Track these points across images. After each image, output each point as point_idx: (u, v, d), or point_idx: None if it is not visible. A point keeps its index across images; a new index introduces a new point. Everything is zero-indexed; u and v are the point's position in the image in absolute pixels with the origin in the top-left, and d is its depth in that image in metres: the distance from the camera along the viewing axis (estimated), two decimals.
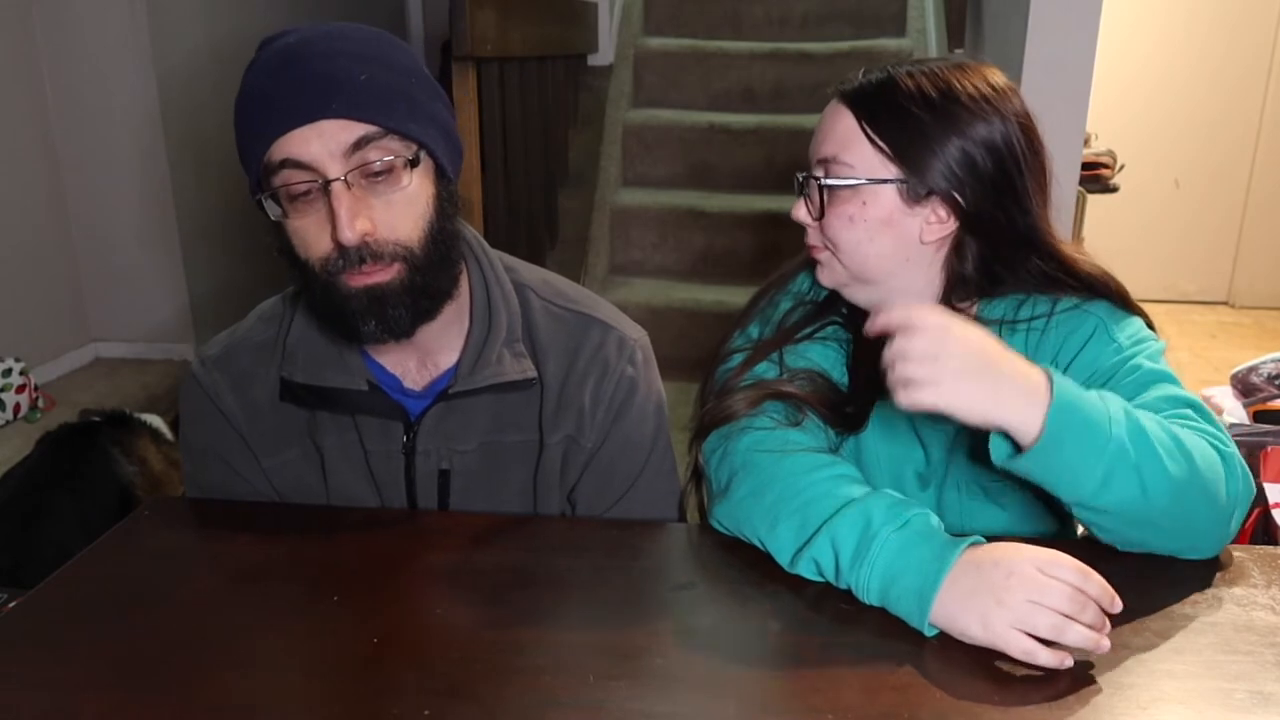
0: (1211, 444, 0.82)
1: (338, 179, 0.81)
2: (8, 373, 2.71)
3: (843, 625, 0.76)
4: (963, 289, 0.98)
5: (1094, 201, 3.35)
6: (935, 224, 0.94)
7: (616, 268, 3.10)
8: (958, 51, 3.10)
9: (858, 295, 0.99)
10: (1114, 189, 3.47)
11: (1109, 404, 0.78)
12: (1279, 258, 4.64)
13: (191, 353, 3.28)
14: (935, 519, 0.80)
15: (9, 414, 2.68)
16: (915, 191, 0.92)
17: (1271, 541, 1.47)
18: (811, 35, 3.51)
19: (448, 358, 0.97)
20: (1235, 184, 4.63)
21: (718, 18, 3.63)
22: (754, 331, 1.04)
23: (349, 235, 0.81)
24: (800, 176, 0.97)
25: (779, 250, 2.81)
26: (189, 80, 3.23)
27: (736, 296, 2.71)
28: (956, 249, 0.97)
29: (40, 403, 2.80)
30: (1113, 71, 4.19)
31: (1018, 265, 0.97)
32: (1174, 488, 0.77)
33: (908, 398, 0.75)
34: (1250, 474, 0.85)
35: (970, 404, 0.75)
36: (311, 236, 0.84)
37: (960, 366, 0.75)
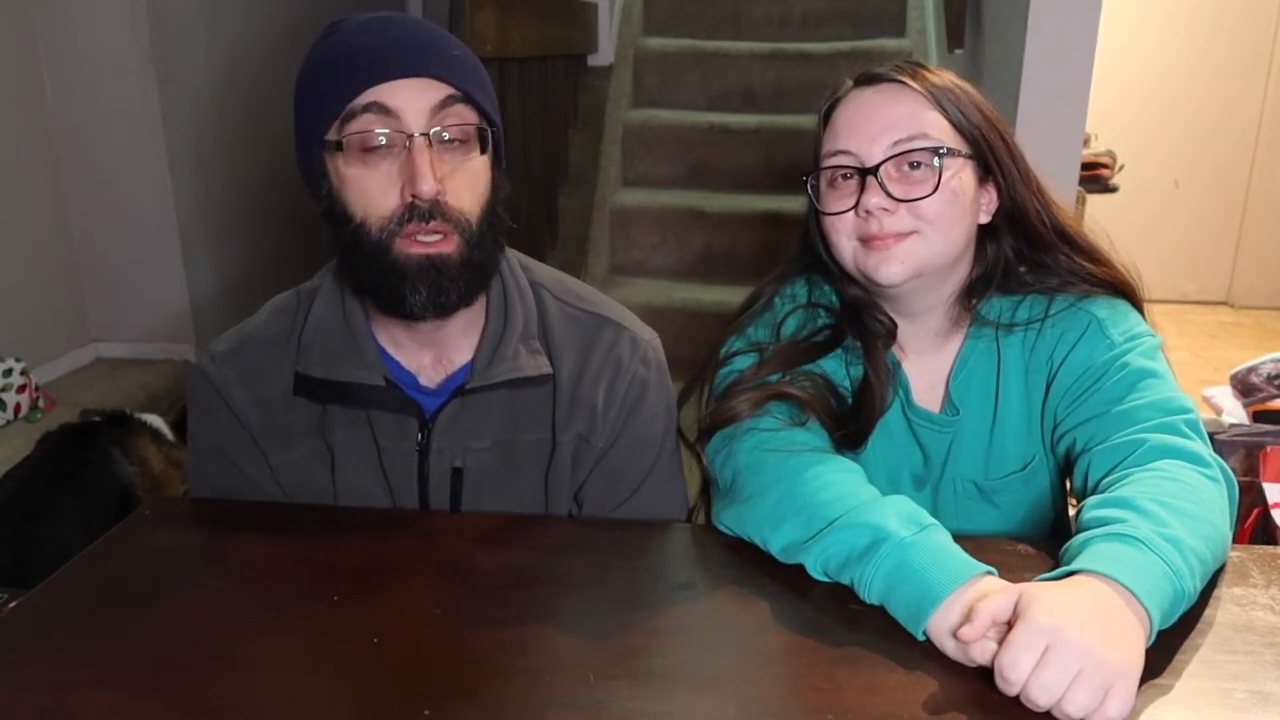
0: (1208, 477, 0.82)
1: (423, 134, 0.84)
2: (8, 373, 2.70)
3: (843, 626, 0.76)
4: (982, 285, 0.99)
5: (1094, 201, 3.35)
6: (986, 205, 0.97)
7: (616, 268, 3.10)
8: (957, 52, 3.10)
9: (913, 294, 0.96)
10: (1114, 189, 3.47)
11: (1184, 580, 0.71)
12: (1279, 258, 4.64)
13: (192, 353, 3.27)
14: (948, 535, 0.79)
15: (9, 414, 2.68)
16: (979, 170, 0.95)
17: (1271, 541, 1.48)
18: (811, 35, 3.51)
19: (463, 355, 0.97)
20: (1235, 184, 4.63)
21: (718, 18, 3.63)
22: (754, 334, 1.03)
23: (428, 187, 0.83)
24: (874, 165, 0.91)
25: (779, 250, 2.81)
26: (189, 81, 3.23)
27: (736, 296, 2.69)
28: (987, 239, 0.98)
29: (41, 403, 2.80)
30: (1113, 71, 4.19)
31: (1047, 255, 0.97)
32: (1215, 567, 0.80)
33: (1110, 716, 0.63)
34: (1233, 475, 0.86)
35: (1138, 662, 0.66)
36: (377, 191, 0.85)
37: (1102, 654, 0.63)
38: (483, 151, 0.89)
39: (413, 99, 0.84)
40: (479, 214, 0.89)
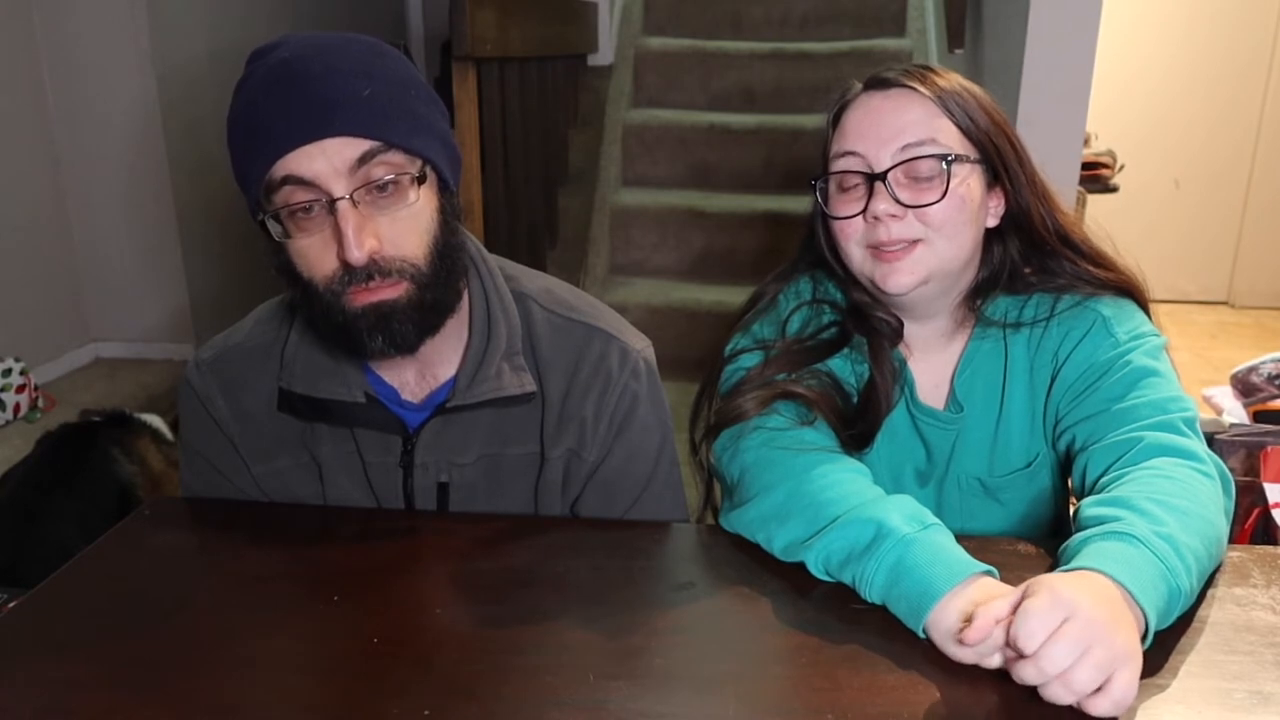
0: (1203, 474, 0.82)
1: (343, 197, 0.80)
2: (8, 373, 2.70)
3: (843, 625, 0.76)
4: (988, 286, 0.99)
5: (1094, 201, 3.35)
6: (994, 209, 0.97)
7: (616, 268, 3.10)
8: (958, 52, 3.10)
9: (920, 299, 0.96)
10: (1114, 189, 3.46)
11: (1180, 579, 0.71)
12: (1279, 258, 4.64)
13: (191, 353, 3.28)
14: (950, 536, 0.79)
15: (9, 414, 2.68)
16: (987, 175, 0.95)
17: (1271, 541, 1.47)
18: (811, 35, 3.51)
19: (446, 370, 0.96)
20: (1235, 184, 4.63)
21: (718, 18, 3.63)
22: (759, 331, 1.03)
23: (357, 255, 0.80)
24: (883, 171, 0.91)
25: (779, 250, 2.81)
26: (189, 81, 3.23)
27: (736, 296, 2.70)
28: (993, 242, 0.98)
29: (40, 403, 2.80)
30: (1113, 71, 4.19)
31: (1052, 259, 0.98)
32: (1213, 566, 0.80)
33: (1114, 703, 0.63)
34: (1228, 471, 0.86)
35: (1140, 652, 0.66)
36: (315, 255, 0.83)
37: (1111, 636, 0.64)
38: (420, 191, 0.84)
39: (326, 163, 0.80)
40: (426, 254, 0.85)
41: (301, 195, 0.81)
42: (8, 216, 2.94)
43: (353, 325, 0.84)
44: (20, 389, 2.72)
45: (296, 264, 0.85)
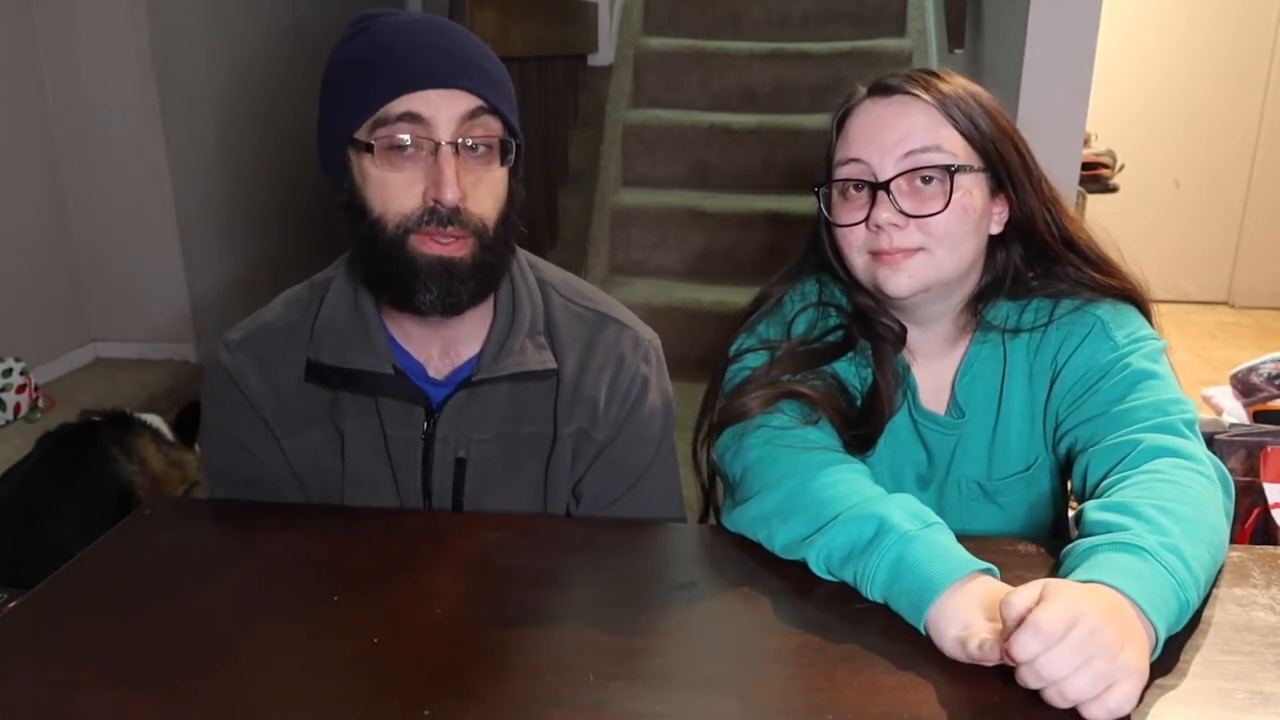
0: (1204, 475, 0.82)
1: (451, 142, 0.86)
2: (8, 373, 2.70)
3: (843, 625, 0.76)
4: (991, 291, 0.99)
5: (1094, 201, 3.35)
6: (998, 215, 0.97)
7: (616, 268, 3.10)
8: (958, 52, 3.10)
9: (922, 304, 0.97)
10: (1114, 189, 3.47)
11: (1189, 592, 0.71)
12: (1279, 258, 4.64)
13: (192, 353, 3.28)
14: (951, 534, 0.79)
15: (9, 414, 2.68)
16: (991, 183, 0.95)
17: (1271, 541, 1.48)
18: (811, 35, 3.51)
19: (470, 348, 0.99)
20: (1235, 184, 4.63)
21: (718, 18, 3.63)
22: (764, 332, 1.04)
23: (451, 194, 0.86)
24: (886, 180, 0.91)
25: (779, 250, 2.82)
26: (189, 81, 3.23)
27: (736, 296, 2.71)
28: (997, 248, 0.98)
29: (40, 403, 2.80)
30: (1113, 71, 4.19)
31: (1056, 264, 0.98)
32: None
33: (1108, 711, 0.63)
34: (1228, 473, 0.86)
35: (1145, 670, 0.66)
36: (398, 191, 0.88)
37: (1116, 650, 0.64)
38: (503, 162, 0.91)
39: (444, 108, 0.86)
40: (495, 220, 0.91)
41: (410, 132, 0.87)
42: (8, 216, 2.94)
43: (412, 270, 0.89)
44: (20, 389, 2.72)
45: (372, 199, 0.89)
